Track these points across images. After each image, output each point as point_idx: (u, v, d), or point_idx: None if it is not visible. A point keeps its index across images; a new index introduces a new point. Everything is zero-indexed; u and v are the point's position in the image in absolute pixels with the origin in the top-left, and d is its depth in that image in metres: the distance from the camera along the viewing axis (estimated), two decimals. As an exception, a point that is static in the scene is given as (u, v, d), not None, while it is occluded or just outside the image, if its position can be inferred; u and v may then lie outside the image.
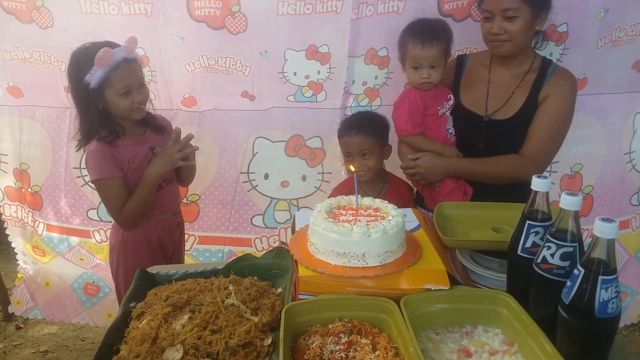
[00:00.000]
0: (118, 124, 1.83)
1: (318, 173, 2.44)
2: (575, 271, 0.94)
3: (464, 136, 1.94)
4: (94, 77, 1.69)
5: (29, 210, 2.56)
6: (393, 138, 2.02)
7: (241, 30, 2.18)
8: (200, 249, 2.55)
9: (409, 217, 1.50)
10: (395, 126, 1.93)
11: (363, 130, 1.94)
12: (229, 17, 2.15)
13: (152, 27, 2.19)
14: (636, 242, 2.56)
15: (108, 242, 2.49)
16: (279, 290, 1.31)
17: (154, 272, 1.39)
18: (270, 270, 1.38)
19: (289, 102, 2.34)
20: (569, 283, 0.94)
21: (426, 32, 1.78)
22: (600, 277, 0.90)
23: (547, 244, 1.04)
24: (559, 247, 1.02)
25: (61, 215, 2.52)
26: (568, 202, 1.00)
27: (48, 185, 2.48)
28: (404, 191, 2.07)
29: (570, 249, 1.01)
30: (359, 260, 1.20)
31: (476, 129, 1.90)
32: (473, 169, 1.87)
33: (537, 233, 1.11)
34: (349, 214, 1.34)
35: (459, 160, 1.88)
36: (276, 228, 2.51)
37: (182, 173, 2.07)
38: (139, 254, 1.92)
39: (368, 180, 1.99)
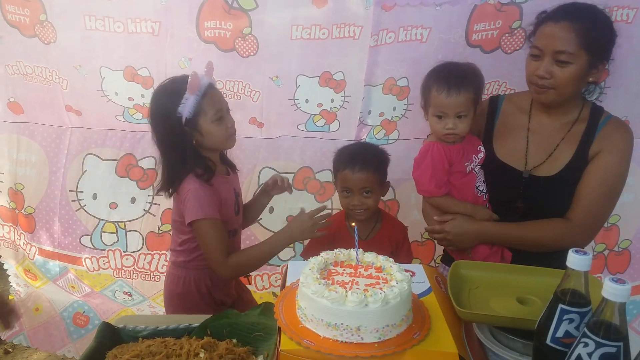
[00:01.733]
0: (210, 160, 1.68)
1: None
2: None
3: (499, 194, 1.68)
4: (186, 107, 1.56)
5: (21, 233, 2.45)
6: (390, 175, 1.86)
7: (252, 54, 2.06)
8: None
9: (419, 277, 1.30)
10: (417, 186, 1.68)
11: (368, 165, 1.73)
12: (240, 39, 2.04)
13: (159, 46, 2.08)
14: (677, 303, 2.30)
15: (99, 271, 2.40)
16: (260, 359, 1.13)
17: (119, 326, 1.22)
18: (253, 332, 1.20)
19: (299, 131, 2.19)
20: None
21: (453, 78, 1.55)
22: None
23: (584, 339, 0.83)
24: (599, 345, 0.82)
25: (54, 239, 2.41)
26: (613, 292, 0.80)
27: (42, 207, 2.38)
28: (398, 231, 1.88)
29: (614, 350, 0.81)
30: (352, 335, 1.01)
31: (514, 187, 1.64)
32: (511, 235, 1.61)
33: (571, 320, 0.90)
34: (346, 273, 1.15)
35: (493, 225, 1.62)
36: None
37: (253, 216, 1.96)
38: (202, 305, 1.73)
39: (362, 219, 1.79)
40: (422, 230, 2.29)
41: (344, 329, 1.01)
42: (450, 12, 1.93)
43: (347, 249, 1.24)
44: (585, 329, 0.84)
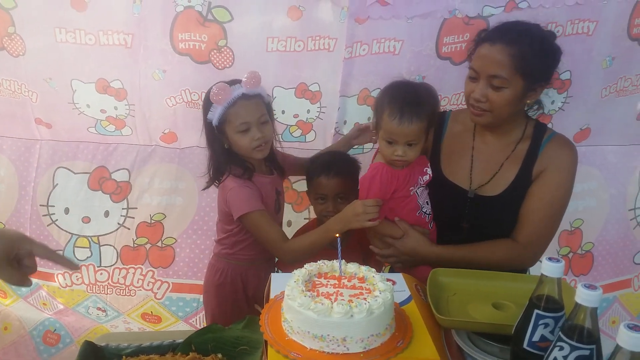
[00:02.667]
0: (248, 162, 1.75)
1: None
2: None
3: (445, 213, 1.65)
4: (214, 115, 1.67)
5: (-11, 249, 2.37)
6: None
7: (227, 66, 2.06)
8: (174, 297, 2.37)
9: (399, 285, 1.33)
10: None
11: (342, 171, 1.77)
12: (215, 51, 2.04)
13: (132, 58, 2.06)
14: (639, 303, 2.42)
15: (72, 287, 2.35)
16: (246, 373, 1.14)
17: (102, 344, 1.21)
18: (237, 346, 1.21)
19: (276, 142, 2.20)
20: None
21: (407, 105, 1.46)
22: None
23: (559, 343, 0.88)
24: (573, 348, 0.86)
25: (24, 255, 2.33)
26: (586, 298, 0.84)
27: (12, 223, 2.30)
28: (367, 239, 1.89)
29: (587, 352, 0.86)
30: (338, 346, 1.03)
31: (459, 206, 1.61)
32: (456, 257, 1.55)
33: (546, 325, 0.95)
34: (330, 284, 1.17)
35: (443, 249, 1.58)
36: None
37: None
38: (235, 299, 1.82)
39: None
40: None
41: (330, 340, 1.03)
42: (421, 26, 1.98)
43: (321, 259, 1.25)
44: (560, 333, 0.88)
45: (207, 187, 1.81)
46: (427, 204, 1.65)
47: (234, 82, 1.69)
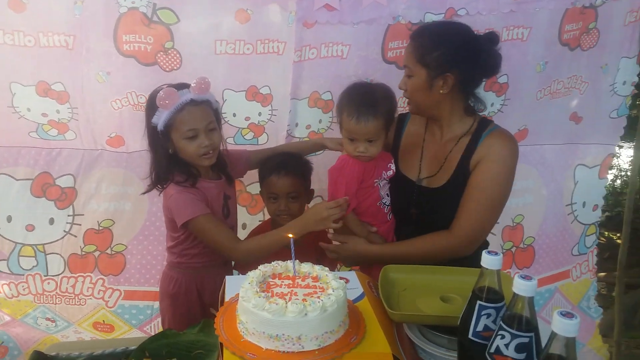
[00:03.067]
0: (193, 167, 1.69)
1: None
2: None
3: (397, 202, 1.76)
4: (159, 119, 1.62)
5: None
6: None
7: (175, 68, 2.04)
8: (126, 305, 2.32)
9: (352, 283, 1.37)
10: (329, 199, 1.71)
11: (293, 170, 1.81)
12: (162, 53, 2.01)
13: (74, 61, 2.00)
14: (578, 293, 2.58)
15: (19, 298, 2.25)
16: (202, 377, 1.14)
17: (52, 353, 1.18)
18: (193, 350, 1.21)
19: (229, 145, 2.18)
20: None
21: (363, 106, 1.57)
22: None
23: (501, 332, 0.94)
24: (513, 336, 0.92)
25: (-33, 265, 2.22)
26: (522, 288, 0.91)
27: (-50, 231, 2.18)
28: (322, 238, 1.87)
29: (526, 340, 0.92)
30: (294, 344, 1.06)
31: (409, 195, 1.73)
32: (396, 254, 1.66)
33: (489, 315, 1.01)
34: (285, 284, 1.20)
35: (379, 247, 1.70)
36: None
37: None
38: (190, 308, 1.78)
39: None
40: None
41: (285, 340, 1.05)
42: (367, 31, 2.04)
43: (274, 260, 1.28)
44: (501, 322, 0.94)
45: (148, 191, 1.79)
46: (387, 196, 1.75)
47: (181, 87, 1.66)
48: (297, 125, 2.20)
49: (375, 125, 1.58)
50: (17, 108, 2.07)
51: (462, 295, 1.29)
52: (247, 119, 2.18)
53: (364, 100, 1.59)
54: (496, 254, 1.01)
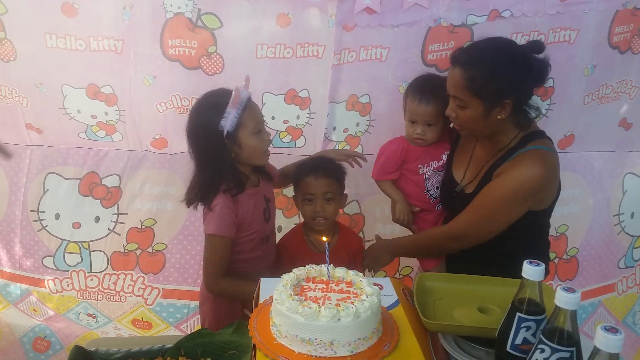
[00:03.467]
0: (244, 174, 1.70)
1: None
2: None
3: (442, 202, 1.85)
4: (228, 120, 1.56)
5: (-20, 256, 2.37)
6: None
7: (217, 72, 2.08)
8: (164, 304, 2.37)
9: (386, 289, 1.35)
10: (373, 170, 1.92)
11: (329, 172, 1.81)
12: (205, 57, 2.06)
13: (122, 64, 2.08)
14: (623, 307, 2.47)
15: (63, 293, 2.34)
16: (235, 377, 1.15)
17: (92, 349, 1.22)
18: (227, 351, 1.22)
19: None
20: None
21: (426, 89, 1.72)
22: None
23: (541, 346, 0.90)
24: (554, 350, 0.88)
25: (15, 261, 2.34)
26: (565, 301, 0.87)
27: (2, 228, 2.31)
28: (354, 242, 1.93)
29: (567, 355, 0.88)
30: (326, 349, 1.05)
31: (450, 197, 1.78)
32: (409, 248, 1.86)
33: (528, 328, 0.98)
34: (318, 288, 1.19)
35: (395, 242, 1.87)
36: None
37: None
38: (233, 314, 1.73)
39: (322, 229, 1.81)
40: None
41: (318, 344, 1.05)
42: (407, 33, 2.02)
43: (306, 265, 1.27)
44: (541, 336, 0.91)
45: (189, 206, 1.69)
46: (437, 189, 1.85)
47: (226, 90, 1.63)
48: (334, 128, 2.21)
49: (435, 108, 1.70)
50: (67, 109, 2.16)
51: (501, 307, 1.25)
52: (285, 122, 2.20)
53: (428, 84, 1.74)
54: (538, 264, 0.98)
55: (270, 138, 1.72)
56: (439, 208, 1.87)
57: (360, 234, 2.33)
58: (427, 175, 1.83)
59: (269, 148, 1.72)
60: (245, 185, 1.68)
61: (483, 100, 1.51)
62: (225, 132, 1.57)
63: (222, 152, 1.60)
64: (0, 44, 2.05)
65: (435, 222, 1.88)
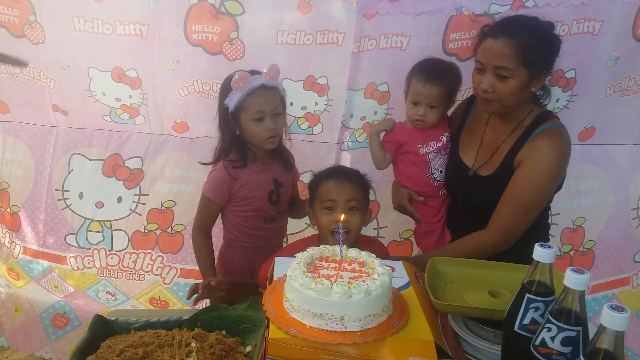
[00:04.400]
0: (250, 150, 1.83)
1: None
2: (578, 362, 0.82)
3: (449, 186, 1.84)
4: (231, 101, 1.74)
5: (6, 231, 2.46)
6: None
7: (238, 57, 2.11)
8: (181, 283, 2.43)
9: (399, 272, 1.37)
10: None
11: (353, 177, 1.62)
12: (227, 43, 2.09)
13: (147, 48, 2.12)
14: (637, 300, 2.44)
15: (84, 270, 2.41)
16: (248, 349, 1.19)
17: (112, 318, 1.27)
18: (241, 324, 1.26)
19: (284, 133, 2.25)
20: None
21: (432, 71, 1.75)
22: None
23: (548, 325, 0.92)
24: (560, 329, 0.90)
25: (39, 238, 2.42)
26: (573, 281, 0.88)
27: (28, 206, 2.39)
28: (377, 252, 1.66)
29: (574, 334, 0.89)
30: (337, 324, 1.08)
31: (461, 181, 1.76)
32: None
33: (537, 309, 0.99)
34: (331, 267, 1.22)
35: (429, 254, 1.71)
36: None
37: (297, 208, 2.02)
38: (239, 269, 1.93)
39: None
40: (400, 231, 2.38)
41: (329, 319, 1.07)
42: (428, 22, 2.01)
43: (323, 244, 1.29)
44: (549, 316, 0.92)
45: (210, 163, 1.88)
46: (440, 173, 1.84)
47: (254, 73, 1.75)
48: (352, 116, 2.22)
49: (439, 90, 1.73)
50: (93, 92, 2.22)
51: (511, 291, 1.25)
52: (303, 108, 2.22)
53: (433, 66, 1.77)
54: (549, 247, 0.99)
55: (276, 128, 1.76)
56: (442, 193, 1.87)
57: (374, 221, 2.34)
58: (430, 157, 1.83)
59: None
60: (246, 163, 1.80)
61: (528, 69, 1.53)
62: (229, 111, 1.74)
63: (226, 126, 1.80)
64: (30, 26, 2.11)
65: (439, 208, 1.87)
